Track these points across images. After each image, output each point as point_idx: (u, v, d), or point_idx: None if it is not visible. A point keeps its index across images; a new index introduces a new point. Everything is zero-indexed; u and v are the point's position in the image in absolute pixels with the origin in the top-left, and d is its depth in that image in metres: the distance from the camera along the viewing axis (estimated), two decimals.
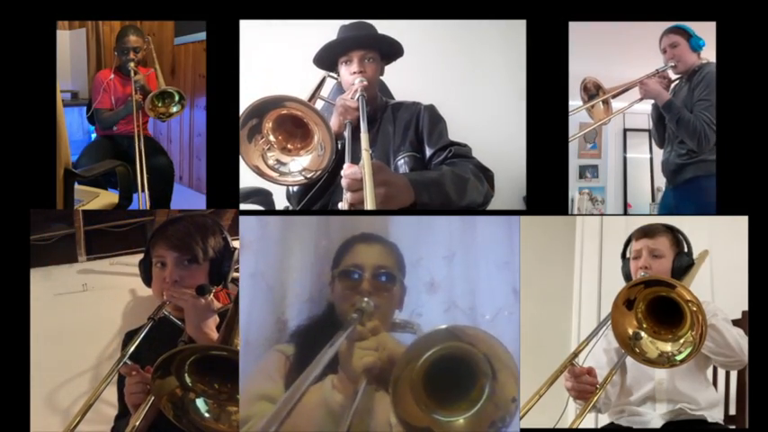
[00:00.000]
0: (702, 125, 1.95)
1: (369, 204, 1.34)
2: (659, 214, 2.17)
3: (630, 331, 1.39)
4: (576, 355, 1.44)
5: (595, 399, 1.44)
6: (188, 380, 1.17)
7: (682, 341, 1.35)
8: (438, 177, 1.58)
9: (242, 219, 1.55)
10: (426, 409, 1.13)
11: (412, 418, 1.12)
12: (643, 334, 1.39)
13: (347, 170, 1.41)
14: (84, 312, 1.85)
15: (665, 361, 1.37)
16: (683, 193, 2.06)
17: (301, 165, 1.56)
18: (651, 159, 2.46)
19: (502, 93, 2.28)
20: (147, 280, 1.50)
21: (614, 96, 2.13)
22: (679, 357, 1.35)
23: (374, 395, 1.20)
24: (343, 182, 1.41)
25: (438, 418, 1.13)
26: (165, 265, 1.45)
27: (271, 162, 1.55)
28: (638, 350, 1.39)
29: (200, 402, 1.18)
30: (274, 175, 1.55)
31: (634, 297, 1.39)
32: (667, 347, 1.37)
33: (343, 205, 1.44)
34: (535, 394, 1.35)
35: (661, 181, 2.30)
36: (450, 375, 1.13)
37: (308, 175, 1.56)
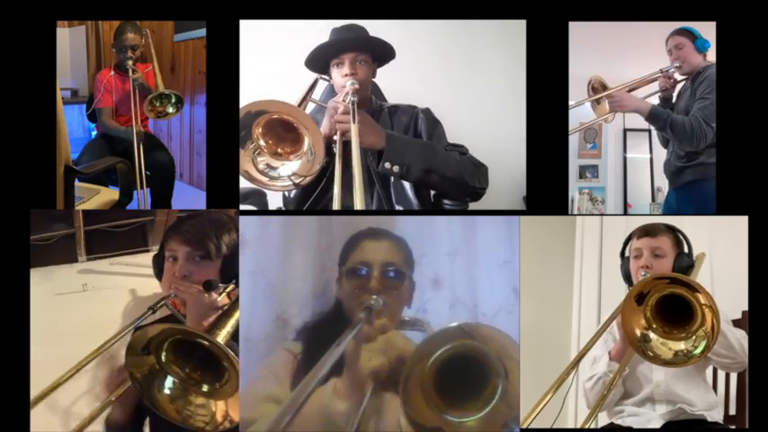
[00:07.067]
0: (698, 123, 1.94)
1: (358, 205, 1.37)
2: (663, 214, 2.17)
3: (638, 332, 1.37)
4: (578, 360, 1.41)
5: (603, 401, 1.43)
6: (164, 357, 1.15)
7: (694, 337, 1.33)
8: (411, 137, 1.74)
9: (242, 217, 1.55)
10: (437, 409, 1.10)
11: (422, 418, 1.09)
12: (652, 335, 1.36)
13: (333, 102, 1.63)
14: (84, 312, 1.84)
15: (683, 359, 1.34)
16: (684, 195, 2.06)
17: (291, 169, 1.56)
18: (651, 159, 2.46)
19: (502, 93, 2.29)
20: (159, 275, 1.48)
21: None
22: (696, 352, 1.32)
23: (383, 396, 1.17)
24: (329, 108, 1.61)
25: (449, 418, 1.10)
26: (177, 260, 1.44)
27: (261, 166, 1.55)
28: (651, 354, 1.36)
29: (168, 380, 1.16)
30: (264, 179, 1.55)
31: (648, 291, 1.36)
32: (681, 345, 1.34)
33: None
34: (538, 403, 1.29)
35: (661, 181, 2.31)
36: (461, 374, 1.10)
37: (297, 180, 1.56)
